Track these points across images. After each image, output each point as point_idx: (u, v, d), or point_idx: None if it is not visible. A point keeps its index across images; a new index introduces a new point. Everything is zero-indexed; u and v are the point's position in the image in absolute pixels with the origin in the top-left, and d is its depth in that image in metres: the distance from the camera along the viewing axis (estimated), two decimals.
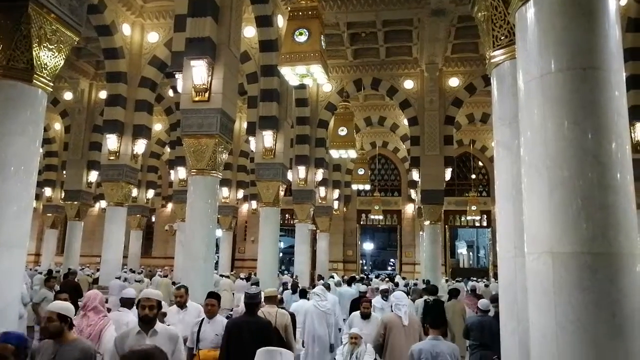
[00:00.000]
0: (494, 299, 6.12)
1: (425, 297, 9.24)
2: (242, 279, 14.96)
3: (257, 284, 9.26)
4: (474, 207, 21.91)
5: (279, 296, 6.05)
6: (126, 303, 5.08)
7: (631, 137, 10.75)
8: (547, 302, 2.65)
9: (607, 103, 2.65)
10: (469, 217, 23.39)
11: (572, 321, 2.51)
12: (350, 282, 12.41)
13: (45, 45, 5.46)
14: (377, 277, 20.96)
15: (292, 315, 5.79)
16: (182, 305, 5.35)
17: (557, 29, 2.80)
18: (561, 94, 2.71)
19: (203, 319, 4.75)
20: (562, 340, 2.53)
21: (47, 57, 5.51)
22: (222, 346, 4.34)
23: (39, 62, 5.41)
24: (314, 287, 8.94)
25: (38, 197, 21.09)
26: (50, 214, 20.16)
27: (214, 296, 4.89)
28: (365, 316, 6.09)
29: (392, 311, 5.30)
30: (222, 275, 15.17)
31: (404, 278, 17.88)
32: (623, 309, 2.44)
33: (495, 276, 17.39)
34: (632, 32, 11.04)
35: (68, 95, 18.86)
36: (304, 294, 8.15)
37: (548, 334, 2.62)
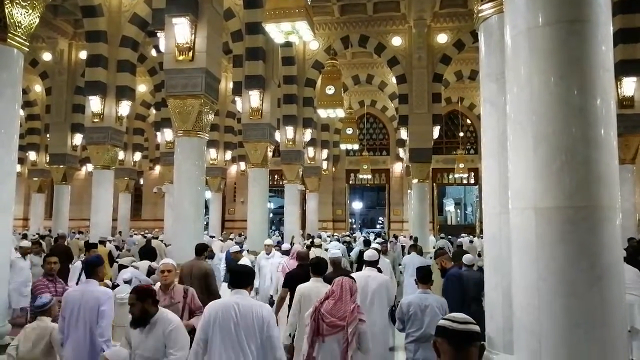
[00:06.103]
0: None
1: (360, 248, 10.01)
2: (231, 239, 15.06)
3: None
4: (461, 165, 22.05)
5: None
6: None
7: (618, 92, 10.75)
8: (530, 256, 2.71)
9: (593, 57, 2.62)
10: (456, 175, 23.58)
11: (554, 272, 2.57)
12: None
13: (17, 2, 5.24)
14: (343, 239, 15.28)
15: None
16: None
17: None
18: (548, 47, 2.68)
19: None
20: (544, 291, 2.61)
21: (21, 14, 5.30)
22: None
23: (12, 20, 5.21)
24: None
25: (22, 161, 20.82)
26: (36, 178, 19.95)
27: None
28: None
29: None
30: (211, 237, 15.26)
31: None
32: (602, 260, 2.51)
33: (482, 233, 17.70)
34: None
35: (47, 56, 18.27)
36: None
37: (530, 286, 2.69)
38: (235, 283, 3.35)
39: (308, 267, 5.35)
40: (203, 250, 6.01)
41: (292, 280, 5.24)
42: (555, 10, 2.67)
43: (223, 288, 6.68)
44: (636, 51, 10.91)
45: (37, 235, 14.14)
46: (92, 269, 4.24)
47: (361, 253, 9.31)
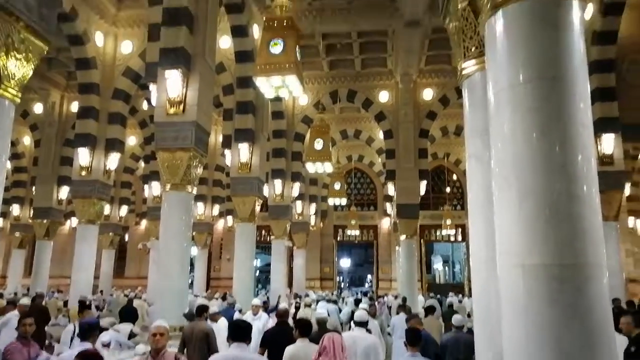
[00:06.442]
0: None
1: (352, 308, 9.81)
2: (216, 299, 14.62)
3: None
4: (448, 221, 22.05)
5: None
6: None
7: (597, 149, 11.03)
8: (519, 314, 2.65)
9: (573, 114, 2.70)
10: (444, 232, 23.50)
11: (542, 332, 2.51)
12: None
13: (12, 54, 5.32)
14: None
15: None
16: None
17: (524, 40, 2.85)
18: (529, 104, 2.75)
19: None
20: (533, 351, 2.54)
21: (15, 66, 5.37)
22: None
23: (6, 72, 5.27)
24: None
25: (5, 215, 20.27)
26: (18, 234, 18.95)
27: None
28: None
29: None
30: (195, 296, 14.81)
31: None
32: (591, 319, 2.46)
33: (470, 292, 17.37)
34: (597, 45, 11.43)
35: (38, 108, 18.27)
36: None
37: (520, 346, 2.62)
38: (236, 336, 3.54)
39: (286, 325, 5.53)
40: (203, 311, 6.10)
41: (270, 339, 5.25)
42: (535, 68, 2.77)
43: None
44: (612, 109, 11.34)
45: (13, 295, 13.59)
46: (90, 332, 4.19)
47: (352, 313, 9.03)
